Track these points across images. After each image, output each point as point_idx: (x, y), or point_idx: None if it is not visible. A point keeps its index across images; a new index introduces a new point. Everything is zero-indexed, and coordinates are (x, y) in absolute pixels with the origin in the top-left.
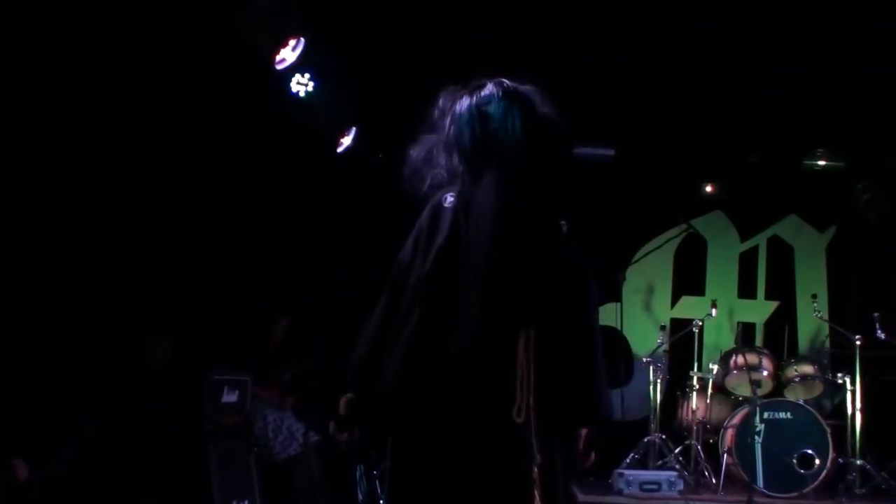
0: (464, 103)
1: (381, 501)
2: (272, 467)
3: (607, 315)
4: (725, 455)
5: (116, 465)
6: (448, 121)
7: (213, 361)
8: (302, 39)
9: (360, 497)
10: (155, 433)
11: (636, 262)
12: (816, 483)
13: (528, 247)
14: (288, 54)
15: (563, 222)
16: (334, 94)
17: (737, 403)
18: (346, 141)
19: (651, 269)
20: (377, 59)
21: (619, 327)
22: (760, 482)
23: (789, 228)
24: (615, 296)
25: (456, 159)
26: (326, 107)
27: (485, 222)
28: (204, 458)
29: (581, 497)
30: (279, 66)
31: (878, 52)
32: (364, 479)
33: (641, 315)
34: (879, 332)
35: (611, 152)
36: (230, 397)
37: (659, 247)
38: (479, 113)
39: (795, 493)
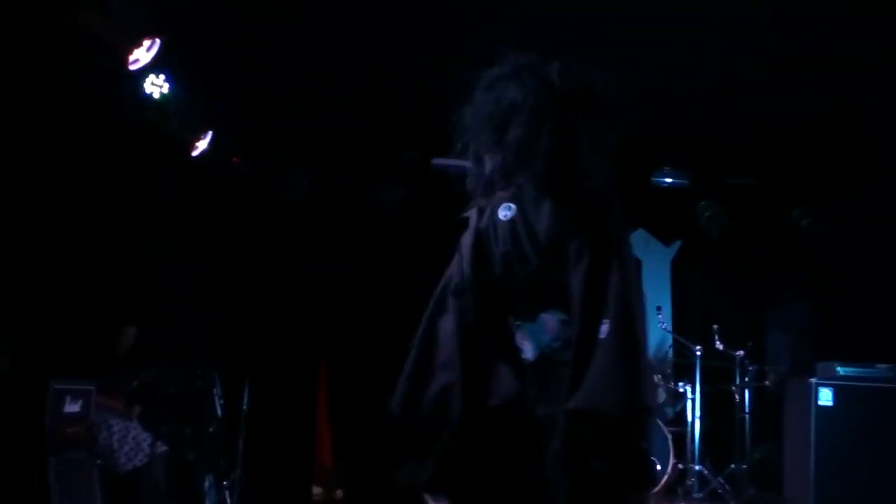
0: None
1: None
2: (116, 479)
3: None
4: None
5: None
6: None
7: (57, 370)
8: (157, 40)
9: None
10: None
11: None
12: (658, 488)
13: None
14: (142, 55)
15: None
16: (190, 97)
17: None
18: (202, 145)
19: None
20: (235, 63)
21: None
22: None
23: (638, 242)
24: None
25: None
26: (182, 109)
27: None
28: (44, 472)
29: None
30: (133, 67)
31: (723, 80)
32: (213, 489)
33: None
34: (718, 343)
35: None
36: (73, 407)
37: None
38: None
39: None
